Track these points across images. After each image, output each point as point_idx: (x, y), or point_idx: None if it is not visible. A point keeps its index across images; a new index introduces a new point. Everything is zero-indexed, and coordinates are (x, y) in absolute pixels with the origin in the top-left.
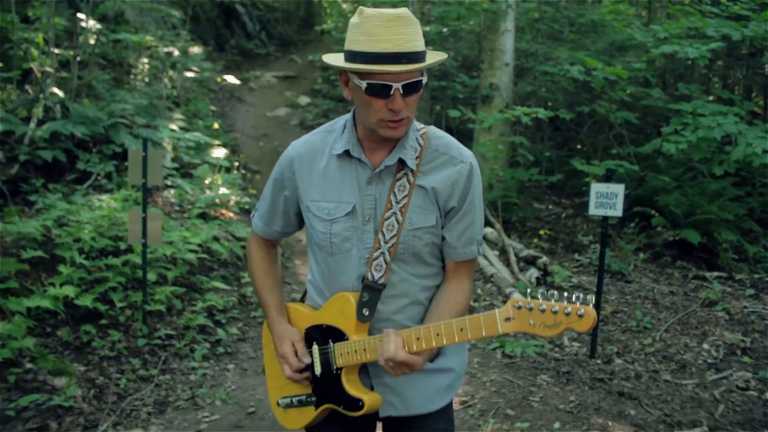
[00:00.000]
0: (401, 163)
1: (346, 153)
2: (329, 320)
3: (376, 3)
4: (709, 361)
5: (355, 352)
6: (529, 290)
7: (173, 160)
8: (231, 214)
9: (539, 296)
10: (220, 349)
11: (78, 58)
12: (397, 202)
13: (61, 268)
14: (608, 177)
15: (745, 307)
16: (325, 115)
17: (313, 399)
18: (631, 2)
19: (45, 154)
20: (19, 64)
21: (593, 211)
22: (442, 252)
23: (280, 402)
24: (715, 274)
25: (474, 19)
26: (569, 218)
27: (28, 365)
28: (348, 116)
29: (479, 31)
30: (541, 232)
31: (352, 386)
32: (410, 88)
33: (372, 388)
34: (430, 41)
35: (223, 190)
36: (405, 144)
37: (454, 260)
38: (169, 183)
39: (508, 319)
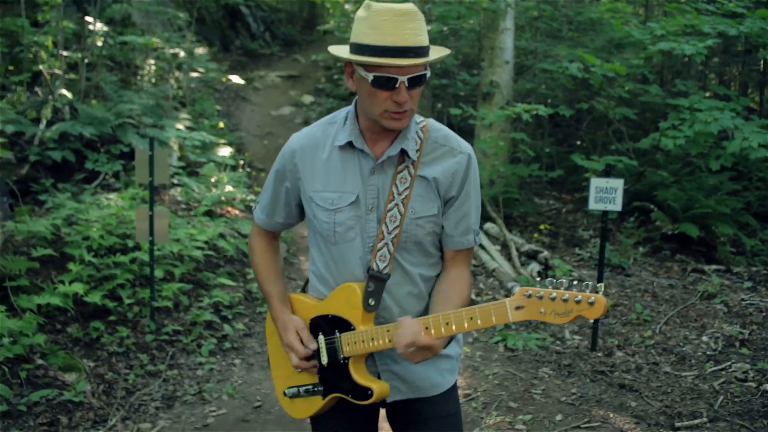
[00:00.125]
0: (403, 154)
1: (349, 144)
2: (335, 310)
3: None
4: (708, 353)
5: (363, 341)
6: (538, 279)
7: (180, 159)
8: (236, 212)
9: (548, 285)
10: (227, 345)
11: (86, 60)
12: (399, 194)
13: (71, 265)
14: (607, 172)
15: (743, 299)
16: (328, 114)
17: (321, 389)
18: (628, 0)
19: (54, 154)
20: (29, 67)
21: (593, 205)
22: (441, 242)
23: (286, 392)
24: (714, 267)
25: (474, 17)
26: (570, 213)
27: (39, 361)
28: (349, 108)
29: (479, 29)
30: (542, 226)
31: (360, 375)
32: (415, 82)
33: (378, 377)
34: (432, 40)
35: (228, 188)
36: (407, 135)
37: (452, 249)
38: (175, 181)
39: (518, 308)
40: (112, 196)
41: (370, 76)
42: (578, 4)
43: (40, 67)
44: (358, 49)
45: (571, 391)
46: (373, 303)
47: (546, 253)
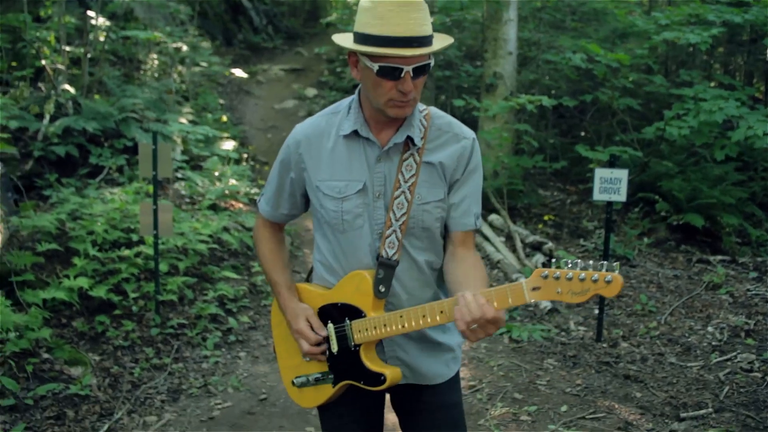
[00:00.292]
0: (408, 141)
1: (354, 133)
2: (344, 298)
3: None
4: (714, 343)
5: (375, 328)
6: (553, 260)
7: (183, 153)
8: (240, 205)
9: (564, 266)
10: (232, 338)
11: (89, 55)
12: (405, 181)
13: (76, 260)
14: (612, 163)
15: (748, 289)
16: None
17: (331, 376)
18: None
19: (58, 149)
20: (31, 63)
21: (597, 196)
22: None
23: (295, 381)
24: (719, 257)
25: (477, 9)
26: (574, 204)
27: (45, 355)
28: (353, 98)
29: (482, 21)
30: (546, 218)
31: (371, 362)
32: (419, 71)
33: (386, 363)
34: (435, 31)
35: (232, 182)
36: (412, 122)
37: (454, 231)
38: (179, 175)
39: (535, 288)
40: (116, 190)
41: (375, 66)
42: None
43: (43, 62)
44: (362, 39)
45: (576, 382)
46: (383, 290)
47: (550, 244)
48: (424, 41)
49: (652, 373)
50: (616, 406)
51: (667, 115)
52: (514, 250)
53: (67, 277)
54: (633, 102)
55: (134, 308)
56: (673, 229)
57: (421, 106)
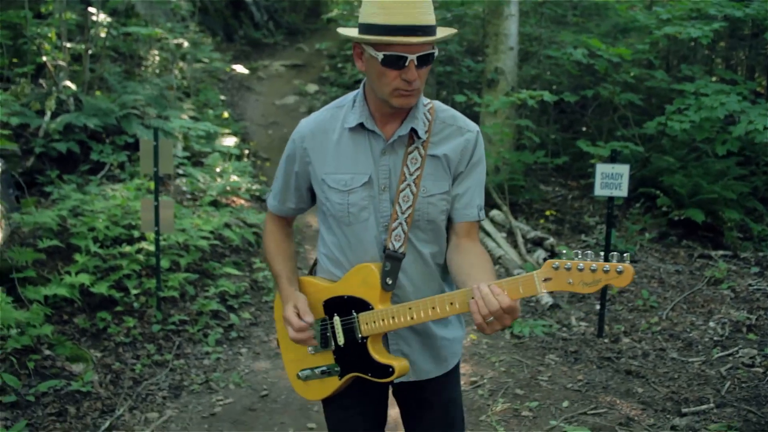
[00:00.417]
0: (412, 134)
1: (360, 126)
2: (351, 291)
3: None
4: (715, 338)
5: (382, 320)
6: (564, 251)
7: (184, 149)
8: (242, 201)
9: (574, 257)
10: (233, 334)
11: (90, 52)
12: (411, 174)
13: (77, 256)
14: (613, 158)
15: (750, 285)
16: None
17: (337, 369)
18: None
19: (59, 146)
20: (32, 59)
21: (599, 191)
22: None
23: (300, 374)
24: (720, 252)
25: (478, 4)
26: (575, 199)
27: (47, 352)
28: (357, 91)
29: (484, 15)
30: (548, 213)
31: (379, 354)
32: (423, 60)
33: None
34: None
35: (233, 178)
36: (416, 115)
37: (457, 222)
38: (180, 172)
39: (546, 279)
40: (117, 186)
41: (380, 55)
42: None
43: (44, 58)
44: (367, 29)
45: (578, 377)
46: (390, 282)
47: (552, 239)
48: (428, 30)
49: (653, 368)
50: (618, 401)
51: (669, 109)
52: (515, 246)
53: (69, 273)
54: (634, 97)
55: (135, 305)
56: (675, 225)
57: (425, 100)
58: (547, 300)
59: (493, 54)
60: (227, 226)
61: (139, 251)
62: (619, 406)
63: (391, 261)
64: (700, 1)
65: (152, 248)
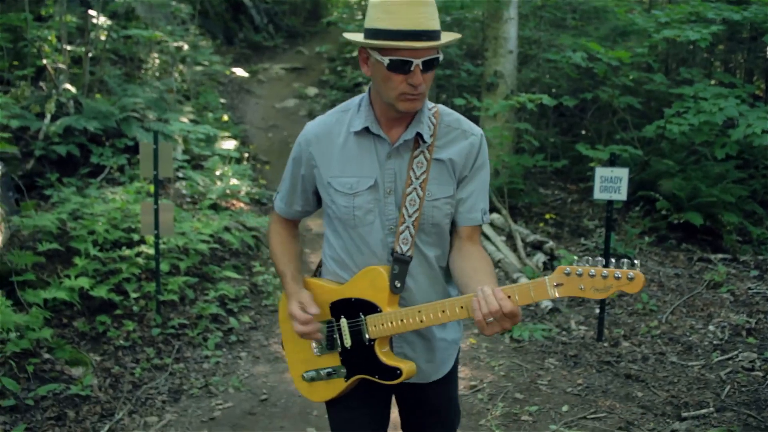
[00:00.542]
0: (417, 138)
1: (365, 129)
2: (358, 293)
3: None
4: (715, 342)
5: (391, 323)
6: (575, 257)
7: (184, 152)
8: (242, 205)
9: (585, 263)
10: (233, 338)
11: (90, 55)
12: (417, 178)
13: (77, 260)
14: (612, 161)
15: (749, 288)
16: (332, 106)
17: (343, 371)
18: None
19: (59, 148)
20: (32, 62)
21: (598, 195)
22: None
23: (305, 375)
24: (720, 256)
25: (477, 7)
26: (575, 203)
27: (46, 355)
28: (363, 96)
29: (483, 19)
30: (547, 216)
31: (386, 356)
32: (428, 65)
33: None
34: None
35: (233, 181)
36: (421, 119)
37: (461, 226)
38: (180, 175)
39: (558, 285)
40: (117, 190)
41: (385, 60)
42: None
43: (44, 61)
44: (373, 34)
45: (577, 381)
46: (398, 285)
47: (551, 243)
48: (432, 35)
49: (653, 372)
50: (618, 405)
51: (668, 113)
52: (514, 250)
53: (68, 276)
54: (633, 100)
55: (135, 308)
56: (674, 228)
57: (429, 104)
58: (546, 304)
59: (493, 57)
60: (227, 229)
61: (138, 254)
62: (618, 410)
63: (399, 264)
64: (699, 4)
65: (152, 251)
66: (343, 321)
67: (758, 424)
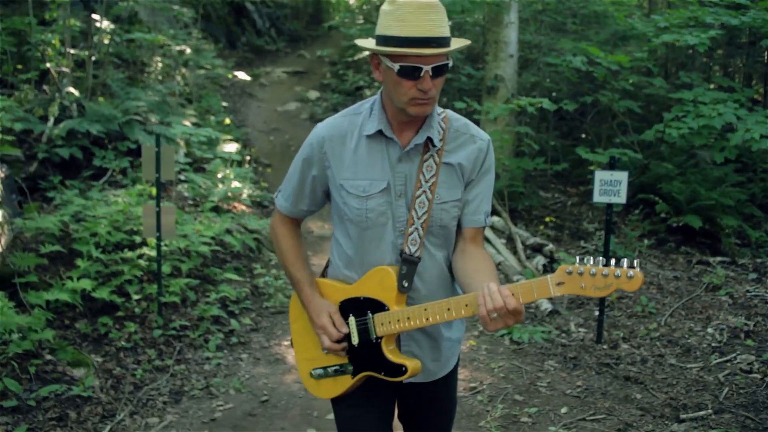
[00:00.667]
0: (428, 142)
1: (379, 133)
2: (367, 293)
3: None
4: (714, 344)
5: (398, 321)
6: (577, 257)
7: (186, 155)
8: (243, 207)
9: (586, 263)
10: (234, 339)
11: (93, 58)
12: (426, 181)
13: (79, 261)
14: (612, 165)
15: (748, 291)
16: (334, 109)
17: (350, 368)
18: None
19: (62, 151)
20: (36, 65)
21: (598, 198)
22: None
23: (312, 373)
24: (719, 259)
25: (478, 11)
26: (574, 206)
27: (48, 357)
28: (375, 99)
29: (484, 23)
30: (547, 219)
31: (393, 354)
32: (438, 71)
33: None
34: None
35: (235, 184)
36: (431, 123)
37: (465, 227)
38: (182, 178)
39: (559, 284)
40: (120, 192)
41: (396, 66)
42: None
43: (48, 65)
44: (383, 41)
45: (577, 383)
46: (406, 285)
47: (551, 246)
48: (442, 42)
49: (652, 374)
50: (617, 407)
51: (667, 117)
52: (515, 252)
53: (71, 278)
54: (633, 104)
55: (137, 310)
56: (673, 231)
57: (438, 109)
58: (546, 306)
59: (493, 61)
60: (228, 231)
61: (140, 257)
62: (617, 412)
63: (408, 264)
64: (698, 9)
65: (154, 254)
66: (352, 319)
67: (756, 426)
